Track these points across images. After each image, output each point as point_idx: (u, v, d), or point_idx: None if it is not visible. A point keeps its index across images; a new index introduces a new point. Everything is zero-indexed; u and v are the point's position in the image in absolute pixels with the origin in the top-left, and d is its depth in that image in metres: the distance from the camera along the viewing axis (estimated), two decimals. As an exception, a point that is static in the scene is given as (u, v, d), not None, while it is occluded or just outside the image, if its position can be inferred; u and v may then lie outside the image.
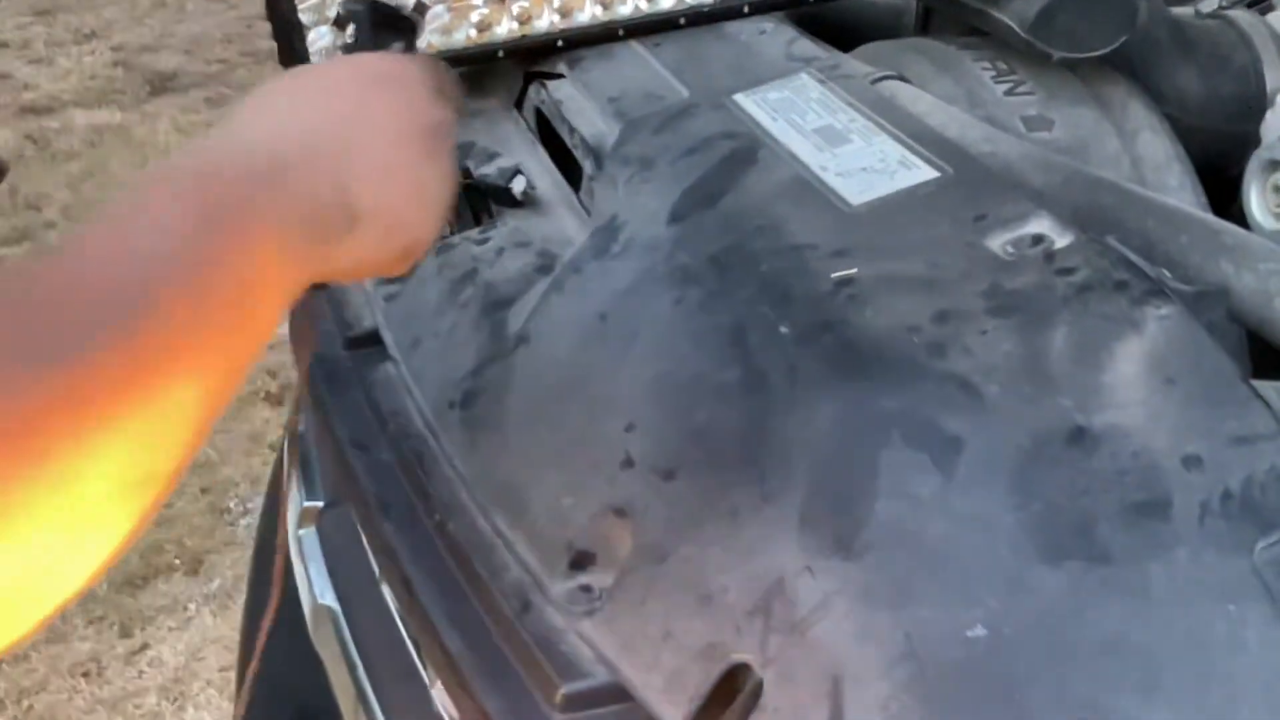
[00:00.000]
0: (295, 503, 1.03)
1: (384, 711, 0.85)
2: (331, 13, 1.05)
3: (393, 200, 0.55)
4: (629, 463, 0.70)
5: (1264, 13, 1.11)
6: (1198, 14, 1.11)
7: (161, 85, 3.91)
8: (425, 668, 0.78)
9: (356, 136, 0.54)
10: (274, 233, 0.48)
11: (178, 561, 2.16)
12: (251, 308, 0.46)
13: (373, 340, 0.94)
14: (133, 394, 0.41)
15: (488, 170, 0.99)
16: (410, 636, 0.80)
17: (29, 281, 0.42)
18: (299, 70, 0.58)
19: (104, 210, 0.45)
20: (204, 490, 2.29)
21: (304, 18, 1.04)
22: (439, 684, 0.76)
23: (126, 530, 0.42)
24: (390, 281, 0.94)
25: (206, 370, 0.44)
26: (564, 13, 1.06)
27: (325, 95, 0.55)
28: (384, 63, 0.61)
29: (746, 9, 1.08)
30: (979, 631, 0.56)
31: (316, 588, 0.98)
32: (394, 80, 0.58)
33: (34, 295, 0.41)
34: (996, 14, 1.01)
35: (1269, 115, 1.01)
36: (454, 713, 0.74)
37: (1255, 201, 0.99)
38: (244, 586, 1.61)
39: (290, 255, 0.49)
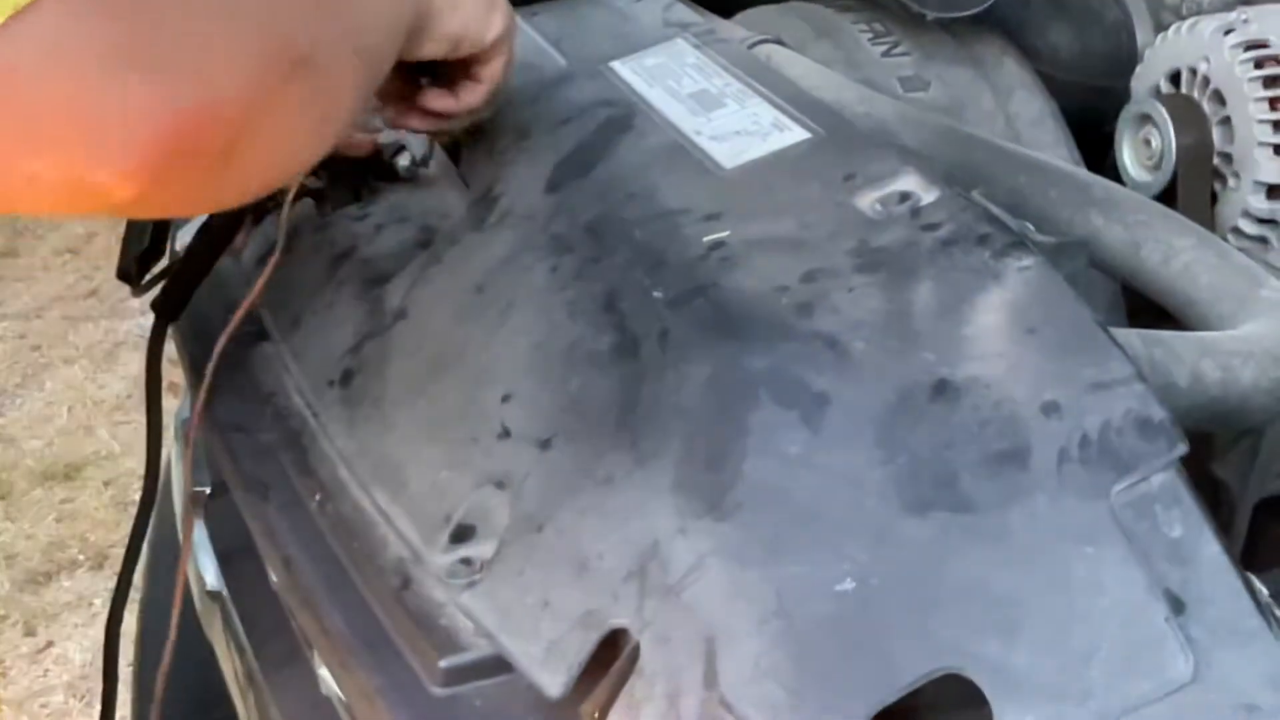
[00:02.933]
0: (182, 489, 1.01)
1: (272, 694, 0.84)
2: None
3: None
4: (506, 434, 0.70)
5: (1134, -30, 1.13)
6: (1070, -28, 1.12)
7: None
8: (310, 649, 0.78)
9: None
10: None
11: (81, 557, 2.12)
12: (378, 32, 0.74)
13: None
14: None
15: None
16: (294, 618, 0.80)
17: None
18: None
19: None
20: (107, 483, 2.25)
21: None
22: (323, 665, 0.75)
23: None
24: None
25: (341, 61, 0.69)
26: (440, -16, 1.04)
27: None
28: None
29: (624, -25, 1.07)
30: (847, 585, 0.56)
31: (205, 574, 0.97)
32: None
33: None
34: (871, -24, 1.02)
35: (1139, 70, 1.03)
36: (339, 692, 0.73)
37: (1127, 155, 1.01)
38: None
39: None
